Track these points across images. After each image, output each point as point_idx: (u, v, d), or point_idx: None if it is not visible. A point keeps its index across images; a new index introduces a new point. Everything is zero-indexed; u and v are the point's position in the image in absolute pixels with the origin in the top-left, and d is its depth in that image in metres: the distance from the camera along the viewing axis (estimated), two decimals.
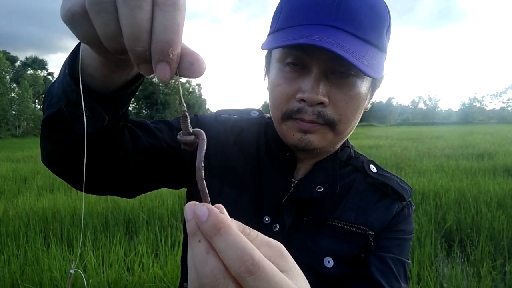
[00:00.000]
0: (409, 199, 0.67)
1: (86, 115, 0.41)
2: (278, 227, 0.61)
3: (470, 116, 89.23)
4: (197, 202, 0.29)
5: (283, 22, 0.56)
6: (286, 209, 0.62)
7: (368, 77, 0.58)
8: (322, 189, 0.62)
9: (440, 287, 2.56)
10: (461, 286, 2.53)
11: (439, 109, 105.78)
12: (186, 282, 0.68)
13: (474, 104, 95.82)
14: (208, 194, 0.30)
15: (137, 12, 0.26)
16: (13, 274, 2.51)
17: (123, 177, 0.57)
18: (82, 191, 0.56)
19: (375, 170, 0.68)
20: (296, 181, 0.64)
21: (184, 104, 0.32)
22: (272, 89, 0.60)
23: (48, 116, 0.45)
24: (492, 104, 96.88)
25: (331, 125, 0.57)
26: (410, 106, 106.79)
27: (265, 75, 0.65)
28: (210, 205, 0.28)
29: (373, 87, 0.63)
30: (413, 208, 0.68)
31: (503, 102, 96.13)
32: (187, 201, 0.69)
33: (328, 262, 0.60)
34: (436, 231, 3.45)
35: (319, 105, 0.55)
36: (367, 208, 0.64)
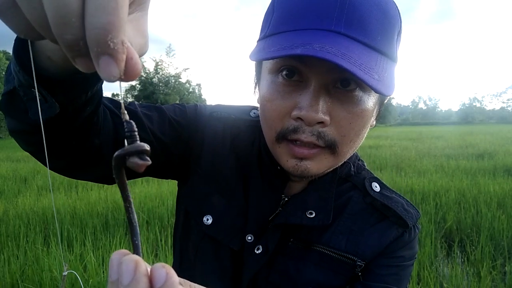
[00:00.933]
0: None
1: (39, 99, 0.35)
2: (261, 250, 0.56)
3: (470, 116, 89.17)
4: (128, 252, 0.23)
5: (276, 26, 0.48)
6: (271, 231, 0.56)
7: None
8: (314, 214, 0.55)
9: (440, 287, 2.55)
10: (461, 286, 2.53)
11: (439, 109, 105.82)
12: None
13: (474, 104, 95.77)
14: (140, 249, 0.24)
15: None
16: (13, 274, 2.50)
17: (99, 165, 0.50)
18: (59, 173, 0.50)
19: (377, 188, 0.60)
20: (285, 199, 0.58)
21: (125, 112, 0.25)
22: (263, 104, 0.52)
23: (6, 93, 0.39)
24: (492, 104, 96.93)
25: (331, 147, 0.49)
26: (410, 106, 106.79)
27: (255, 87, 0.57)
28: (170, 268, 0.22)
29: (382, 100, 0.54)
30: (418, 230, 0.61)
31: (503, 102, 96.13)
32: (178, 194, 0.67)
33: None
34: (436, 231, 3.44)
35: (319, 124, 0.47)
36: (361, 233, 0.57)
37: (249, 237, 0.57)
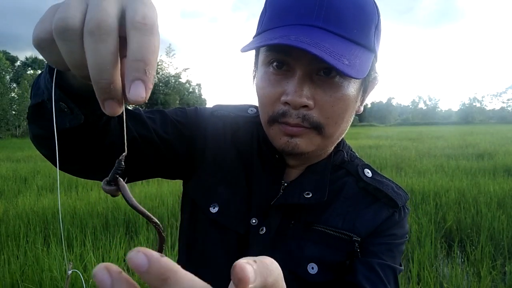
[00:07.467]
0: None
1: (65, 111, 0.42)
2: (264, 230, 0.60)
3: (470, 116, 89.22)
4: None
5: (266, 24, 0.55)
6: (273, 212, 0.61)
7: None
8: (310, 195, 0.61)
9: (440, 287, 2.56)
10: (461, 286, 2.53)
11: (439, 109, 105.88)
12: None
13: (474, 104, 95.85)
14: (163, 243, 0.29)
15: (102, 45, 0.26)
16: (13, 274, 2.51)
17: (110, 164, 0.55)
18: (72, 174, 0.57)
19: (369, 174, 0.66)
20: (285, 184, 0.63)
21: (125, 149, 0.31)
22: (258, 92, 0.59)
23: (34, 105, 0.45)
24: (492, 104, 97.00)
25: (317, 128, 0.55)
26: (410, 106, 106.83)
27: (254, 78, 0.64)
28: (146, 249, 0.20)
29: (365, 88, 0.60)
30: (407, 211, 0.66)
31: (503, 102, 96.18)
32: (183, 194, 0.70)
33: (312, 268, 0.59)
34: (436, 231, 3.44)
35: (303, 108, 0.53)
36: (355, 213, 0.62)
37: (253, 220, 0.61)
